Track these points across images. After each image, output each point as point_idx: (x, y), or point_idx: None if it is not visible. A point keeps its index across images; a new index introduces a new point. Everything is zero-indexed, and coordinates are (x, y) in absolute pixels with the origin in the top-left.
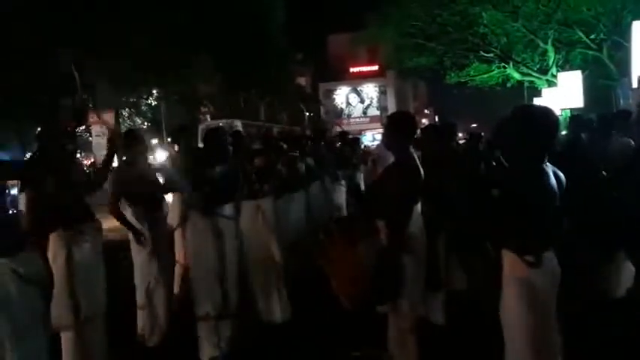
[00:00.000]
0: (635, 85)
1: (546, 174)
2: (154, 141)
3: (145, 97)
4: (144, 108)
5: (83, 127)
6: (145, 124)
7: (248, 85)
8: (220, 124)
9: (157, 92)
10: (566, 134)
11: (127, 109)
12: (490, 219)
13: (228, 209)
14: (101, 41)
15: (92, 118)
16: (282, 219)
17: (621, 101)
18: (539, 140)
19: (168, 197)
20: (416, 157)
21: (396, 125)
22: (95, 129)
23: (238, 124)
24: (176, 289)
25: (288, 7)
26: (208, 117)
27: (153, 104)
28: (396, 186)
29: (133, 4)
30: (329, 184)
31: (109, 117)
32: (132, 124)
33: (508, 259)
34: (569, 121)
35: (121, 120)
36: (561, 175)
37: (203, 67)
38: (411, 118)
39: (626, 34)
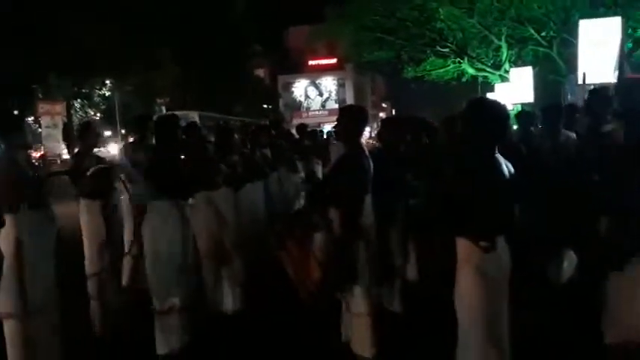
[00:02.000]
0: (580, 81)
1: (498, 163)
2: (107, 133)
3: (98, 87)
4: (97, 99)
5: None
6: (98, 115)
7: (205, 77)
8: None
9: (111, 83)
10: (516, 129)
11: (79, 100)
12: (445, 206)
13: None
14: (52, 30)
15: (42, 108)
16: (238, 210)
17: (569, 96)
18: (490, 131)
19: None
20: (365, 148)
21: (347, 118)
22: (45, 120)
23: (195, 116)
24: (126, 281)
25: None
26: (164, 108)
27: (106, 95)
28: (347, 176)
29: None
30: (286, 175)
31: (60, 108)
32: (84, 115)
33: (462, 245)
34: (518, 116)
35: (72, 111)
36: (510, 166)
37: (159, 58)
38: (362, 111)
39: (574, 31)
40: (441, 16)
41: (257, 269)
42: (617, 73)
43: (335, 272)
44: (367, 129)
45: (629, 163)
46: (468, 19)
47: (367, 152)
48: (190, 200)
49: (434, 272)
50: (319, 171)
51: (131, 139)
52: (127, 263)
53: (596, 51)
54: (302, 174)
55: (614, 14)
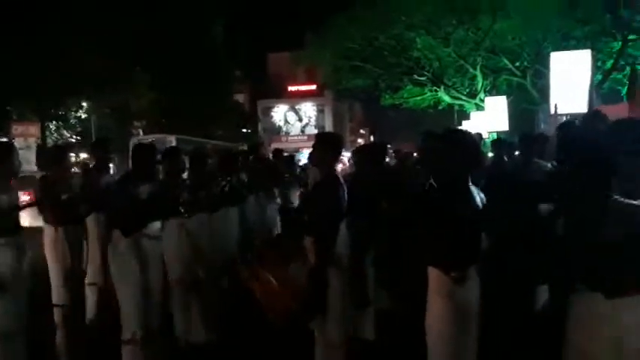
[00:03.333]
0: (552, 111)
1: (470, 193)
2: (84, 155)
3: (74, 109)
4: (73, 121)
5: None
6: (74, 137)
7: (183, 101)
8: (151, 139)
9: (88, 105)
10: (491, 157)
11: (54, 122)
12: (418, 236)
13: (152, 229)
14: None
15: (15, 130)
16: (212, 237)
17: (542, 125)
18: (462, 162)
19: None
20: (340, 176)
21: (323, 145)
22: (18, 141)
23: (172, 140)
24: (91, 314)
25: (229, 25)
26: (141, 132)
27: (82, 117)
28: (321, 205)
29: (65, 15)
30: (263, 200)
31: (34, 129)
32: (59, 137)
33: (433, 275)
34: (493, 144)
35: (47, 133)
36: (482, 196)
37: (137, 81)
38: (338, 138)
39: (546, 62)
40: (418, 46)
41: (229, 298)
42: (587, 103)
43: (308, 302)
44: (347, 154)
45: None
46: (444, 48)
47: (342, 179)
48: (152, 230)
49: (406, 300)
50: (296, 196)
51: (92, 164)
52: (91, 294)
53: (567, 82)
54: (278, 200)
55: (584, 47)
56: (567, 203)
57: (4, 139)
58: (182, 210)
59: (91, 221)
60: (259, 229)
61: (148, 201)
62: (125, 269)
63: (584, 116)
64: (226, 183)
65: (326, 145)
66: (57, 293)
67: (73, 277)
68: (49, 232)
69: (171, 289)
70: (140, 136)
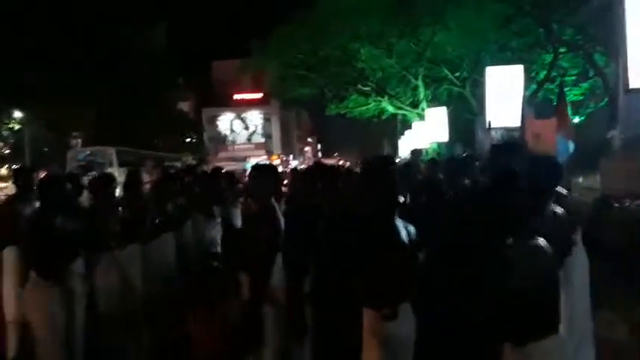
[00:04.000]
0: (487, 126)
1: (395, 228)
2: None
3: (5, 121)
4: (4, 133)
5: None
6: (6, 150)
7: (123, 110)
8: (89, 151)
9: (22, 116)
10: (423, 178)
11: None
12: (349, 275)
13: (77, 264)
14: None
15: None
16: (147, 267)
17: (480, 134)
18: (383, 193)
19: None
20: (277, 207)
21: (260, 177)
22: None
23: (112, 152)
24: (12, 352)
25: (172, 30)
26: (80, 142)
27: (15, 128)
28: (257, 238)
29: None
30: (202, 222)
31: None
32: None
33: (367, 314)
34: (427, 166)
35: None
36: (411, 228)
37: (73, 90)
38: (274, 170)
39: (484, 73)
40: (362, 57)
41: (165, 334)
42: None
43: (243, 337)
44: (295, 162)
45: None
46: (387, 59)
47: (278, 210)
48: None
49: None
50: (237, 215)
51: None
52: (11, 332)
53: (501, 97)
54: (219, 219)
55: (520, 58)
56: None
57: None
58: (112, 243)
59: (8, 254)
60: (198, 251)
61: (69, 237)
62: (44, 309)
63: (490, 150)
64: (162, 212)
65: (263, 177)
66: None
67: None
68: None
69: (102, 323)
70: (78, 149)
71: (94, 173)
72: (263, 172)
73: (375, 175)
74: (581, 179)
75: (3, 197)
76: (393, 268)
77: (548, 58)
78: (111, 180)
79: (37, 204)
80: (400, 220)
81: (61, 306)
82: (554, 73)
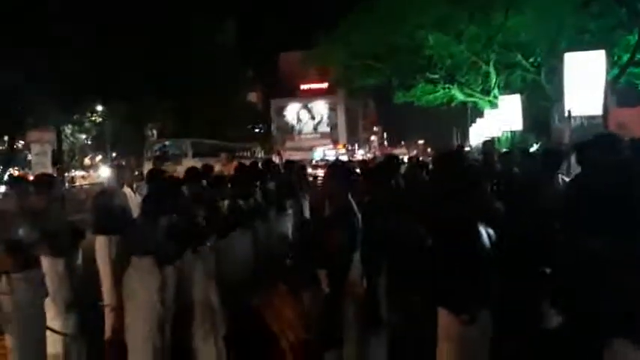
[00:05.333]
0: (566, 114)
1: (478, 234)
2: (99, 157)
3: (89, 114)
4: (87, 125)
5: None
6: (89, 141)
7: (197, 103)
8: (166, 142)
9: (102, 109)
10: (499, 172)
11: (69, 126)
12: (425, 277)
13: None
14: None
15: (32, 136)
16: (225, 261)
17: (557, 122)
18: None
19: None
20: (354, 206)
21: (336, 176)
22: (35, 147)
23: (187, 143)
24: (108, 334)
25: (240, 25)
26: (155, 133)
27: (97, 121)
28: (335, 237)
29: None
30: (274, 216)
31: (49, 136)
32: (75, 141)
33: (443, 316)
34: (501, 159)
35: (63, 137)
36: (491, 232)
37: (151, 86)
38: (349, 168)
39: (560, 58)
40: (430, 43)
41: (242, 324)
42: (602, 106)
43: (323, 333)
44: (361, 152)
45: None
46: (456, 45)
47: (355, 208)
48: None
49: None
50: (306, 207)
51: (123, 162)
52: (108, 315)
53: (581, 84)
54: (290, 211)
55: (599, 41)
56: None
57: (22, 143)
58: (199, 240)
59: (100, 242)
60: (273, 245)
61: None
62: (145, 296)
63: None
64: (239, 206)
65: (338, 176)
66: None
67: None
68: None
69: (185, 315)
70: (155, 139)
71: (169, 163)
72: (339, 171)
73: (452, 177)
74: None
75: (87, 186)
76: (474, 274)
77: (632, 39)
78: (199, 176)
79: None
80: (481, 226)
81: (159, 294)
82: (638, 56)
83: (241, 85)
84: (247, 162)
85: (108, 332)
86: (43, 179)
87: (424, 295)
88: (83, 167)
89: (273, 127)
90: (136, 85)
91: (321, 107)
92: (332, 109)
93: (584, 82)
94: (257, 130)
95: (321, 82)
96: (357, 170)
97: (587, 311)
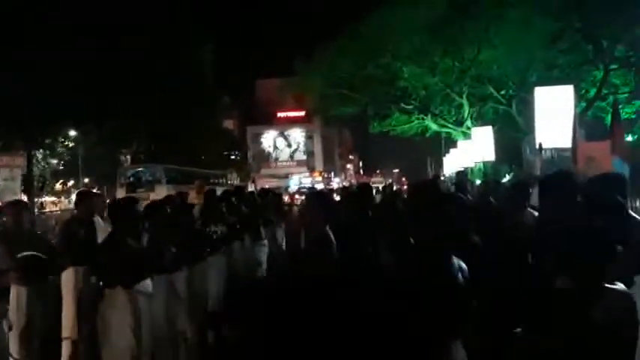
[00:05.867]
0: (537, 147)
1: (449, 264)
2: (71, 182)
3: (61, 138)
4: (60, 149)
5: None
6: (61, 166)
7: (172, 127)
8: (139, 169)
9: (75, 134)
10: (475, 200)
11: (41, 151)
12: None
13: (144, 285)
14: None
15: (1, 160)
16: (198, 287)
17: (528, 153)
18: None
19: None
20: (330, 233)
21: (314, 205)
22: (3, 172)
23: (160, 169)
24: None
25: (217, 51)
26: (129, 158)
27: (70, 146)
28: (314, 264)
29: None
30: (249, 244)
31: (20, 161)
32: (46, 166)
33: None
34: (481, 187)
35: (34, 161)
36: (464, 266)
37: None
38: (328, 197)
39: (531, 91)
40: (405, 75)
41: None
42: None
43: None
44: (337, 180)
45: None
46: (430, 77)
47: (331, 238)
48: (144, 286)
49: None
50: (281, 235)
51: (95, 189)
52: (66, 348)
53: (551, 118)
54: (265, 241)
55: (568, 76)
56: None
57: None
58: (172, 267)
59: (66, 275)
60: (247, 272)
61: (141, 256)
62: (121, 325)
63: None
64: (211, 234)
65: (317, 205)
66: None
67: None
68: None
69: (157, 345)
70: (128, 165)
71: (142, 190)
72: (317, 200)
73: (426, 206)
74: (638, 203)
75: (58, 212)
76: (444, 305)
77: (599, 75)
78: (163, 207)
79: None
80: (454, 259)
81: (135, 323)
82: (604, 91)
83: (217, 111)
84: (221, 189)
85: None
86: (16, 206)
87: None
88: (54, 193)
89: (249, 154)
90: (110, 108)
91: (297, 135)
92: (309, 136)
93: (554, 115)
94: (233, 157)
95: (298, 110)
96: (337, 197)
97: None
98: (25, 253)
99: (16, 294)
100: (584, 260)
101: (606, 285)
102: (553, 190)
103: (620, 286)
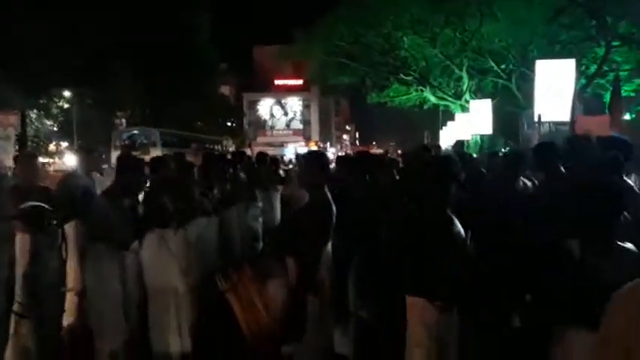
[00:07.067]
0: (536, 119)
1: (452, 222)
2: (64, 144)
3: (56, 99)
4: (54, 110)
5: None
6: (55, 127)
7: (167, 92)
8: (135, 131)
9: (70, 95)
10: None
11: (35, 111)
12: (400, 265)
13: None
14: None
15: None
16: (191, 247)
17: (525, 128)
18: (441, 188)
19: None
20: (329, 196)
21: (312, 166)
22: None
23: (156, 133)
24: (70, 319)
25: (215, 17)
26: (124, 121)
27: (65, 107)
28: (309, 229)
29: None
30: (243, 207)
31: (13, 119)
32: (40, 126)
33: (417, 304)
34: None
35: (28, 121)
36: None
37: (121, 72)
38: (325, 157)
39: (531, 66)
40: (405, 45)
41: (207, 310)
42: (570, 113)
43: (286, 325)
44: (333, 150)
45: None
46: (431, 48)
47: (330, 200)
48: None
49: (385, 320)
50: (277, 200)
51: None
52: (70, 299)
53: (552, 90)
54: (260, 204)
55: (569, 52)
56: None
57: None
58: (164, 222)
59: (69, 228)
60: (240, 237)
61: (138, 216)
62: (106, 281)
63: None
64: (208, 194)
65: (314, 165)
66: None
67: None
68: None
69: (149, 299)
70: (123, 127)
71: (137, 152)
72: (315, 160)
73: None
74: (633, 178)
75: (52, 172)
76: (452, 262)
77: (600, 51)
78: (165, 163)
79: (96, 182)
80: (453, 217)
81: (120, 279)
82: (605, 68)
83: (214, 77)
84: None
85: (69, 317)
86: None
87: (397, 285)
88: (48, 154)
89: (245, 121)
90: (107, 69)
91: (294, 104)
92: (306, 105)
93: (555, 89)
94: (229, 124)
95: (296, 78)
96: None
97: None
98: (28, 203)
99: (21, 240)
100: (593, 212)
101: (616, 242)
102: (577, 151)
103: (628, 244)
